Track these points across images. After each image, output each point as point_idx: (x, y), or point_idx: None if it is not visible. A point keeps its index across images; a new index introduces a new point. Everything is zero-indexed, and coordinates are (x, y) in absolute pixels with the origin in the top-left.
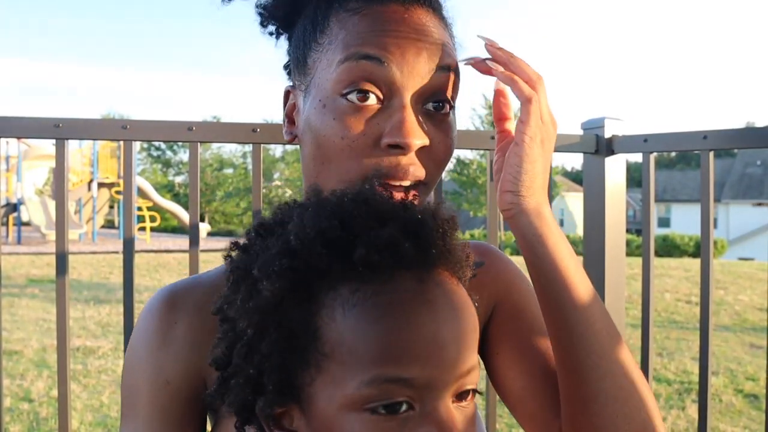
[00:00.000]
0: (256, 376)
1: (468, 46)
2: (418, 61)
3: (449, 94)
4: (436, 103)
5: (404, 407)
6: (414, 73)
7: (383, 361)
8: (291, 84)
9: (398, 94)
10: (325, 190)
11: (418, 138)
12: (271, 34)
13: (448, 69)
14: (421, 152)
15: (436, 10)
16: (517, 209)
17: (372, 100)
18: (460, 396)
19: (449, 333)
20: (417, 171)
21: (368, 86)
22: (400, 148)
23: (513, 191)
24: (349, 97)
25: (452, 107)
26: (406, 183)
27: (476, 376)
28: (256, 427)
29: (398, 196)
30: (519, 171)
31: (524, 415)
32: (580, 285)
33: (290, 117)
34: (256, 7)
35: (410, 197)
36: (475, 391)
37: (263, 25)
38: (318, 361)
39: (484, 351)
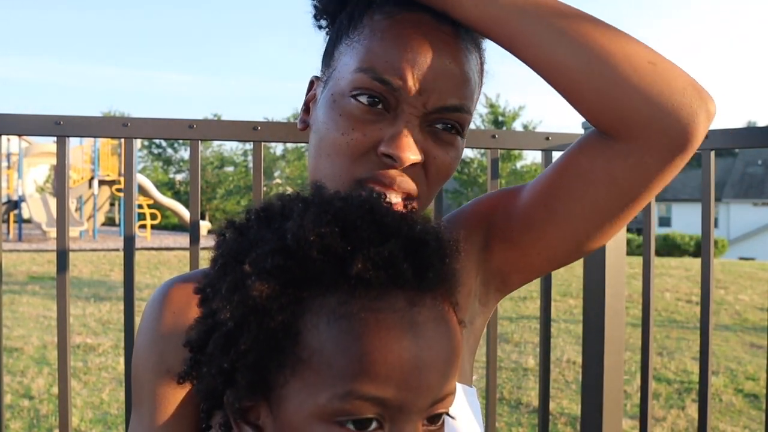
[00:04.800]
0: (230, 370)
1: (493, 69)
2: (429, 94)
3: (455, 124)
4: (443, 125)
5: (373, 425)
6: (420, 103)
7: (360, 377)
8: (318, 75)
9: (405, 110)
10: (324, 184)
11: (412, 153)
12: (320, 27)
13: (455, 109)
14: (415, 168)
15: (466, 34)
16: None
17: (380, 106)
18: (432, 419)
19: (431, 358)
20: (405, 184)
21: (377, 96)
22: (393, 159)
23: None
24: (359, 98)
25: (460, 135)
26: (392, 195)
27: (451, 401)
28: (222, 414)
29: (391, 198)
30: None
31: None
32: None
33: (308, 106)
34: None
35: (397, 205)
36: (447, 414)
37: (316, 18)
38: (294, 364)
39: (512, 256)
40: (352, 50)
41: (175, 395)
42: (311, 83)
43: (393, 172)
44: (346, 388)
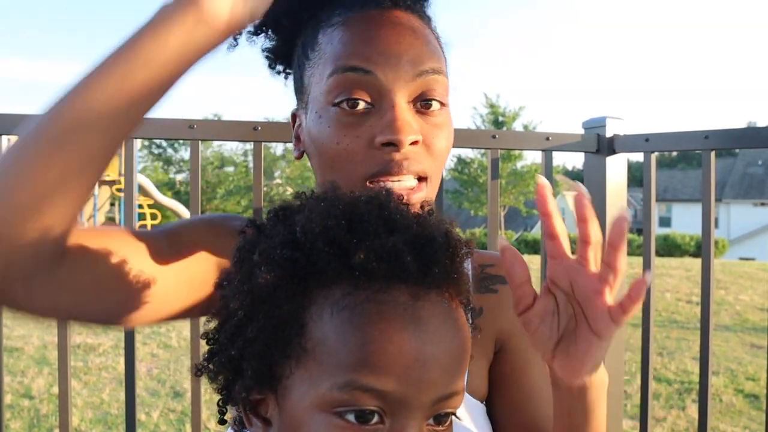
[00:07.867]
0: (238, 359)
1: (453, 41)
2: (401, 66)
3: (437, 94)
4: (424, 102)
5: (375, 419)
6: (398, 78)
7: (359, 368)
8: (296, 107)
9: (387, 96)
10: (338, 184)
11: (410, 134)
12: (279, 73)
13: (432, 72)
14: (417, 148)
15: (416, 10)
16: (588, 383)
17: (362, 106)
18: (438, 418)
19: (434, 354)
20: (413, 165)
21: (357, 93)
22: (393, 144)
23: (589, 368)
24: (341, 105)
25: (443, 105)
26: (404, 178)
27: (458, 401)
28: (237, 408)
29: (399, 191)
30: (599, 352)
31: None
32: None
33: (297, 135)
34: (262, 51)
35: (411, 194)
36: (454, 414)
37: (271, 66)
38: (299, 355)
39: (489, 382)
40: (318, 67)
41: (189, 254)
42: (293, 117)
43: (398, 157)
44: (345, 378)
